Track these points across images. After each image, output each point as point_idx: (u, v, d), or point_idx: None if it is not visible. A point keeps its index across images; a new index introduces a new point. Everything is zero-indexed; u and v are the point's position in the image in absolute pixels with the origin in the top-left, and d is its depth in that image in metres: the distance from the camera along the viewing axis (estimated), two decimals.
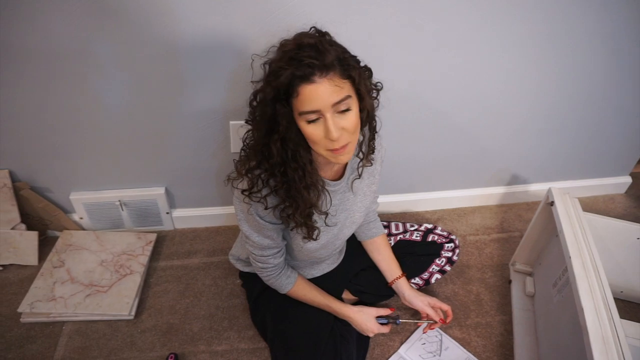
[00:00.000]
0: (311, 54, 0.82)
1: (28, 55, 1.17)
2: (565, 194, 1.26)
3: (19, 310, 1.34)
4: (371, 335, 1.24)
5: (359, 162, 1.06)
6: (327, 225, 1.07)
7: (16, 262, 1.50)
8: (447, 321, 1.28)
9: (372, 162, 1.10)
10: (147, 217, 1.61)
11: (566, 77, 1.47)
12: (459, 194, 1.79)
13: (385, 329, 1.25)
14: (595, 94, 1.54)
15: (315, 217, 1.02)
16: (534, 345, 1.31)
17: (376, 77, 0.97)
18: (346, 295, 1.37)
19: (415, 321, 1.35)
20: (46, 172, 1.46)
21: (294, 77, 0.82)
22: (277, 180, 0.94)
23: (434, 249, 1.35)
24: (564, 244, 1.13)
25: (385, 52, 1.29)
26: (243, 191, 0.96)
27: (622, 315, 1.01)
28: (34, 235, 1.50)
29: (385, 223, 1.40)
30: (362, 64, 0.92)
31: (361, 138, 1.01)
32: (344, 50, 0.88)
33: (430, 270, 1.36)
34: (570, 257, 1.09)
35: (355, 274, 1.35)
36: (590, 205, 1.85)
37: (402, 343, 1.34)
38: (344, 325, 1.24)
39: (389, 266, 1.30)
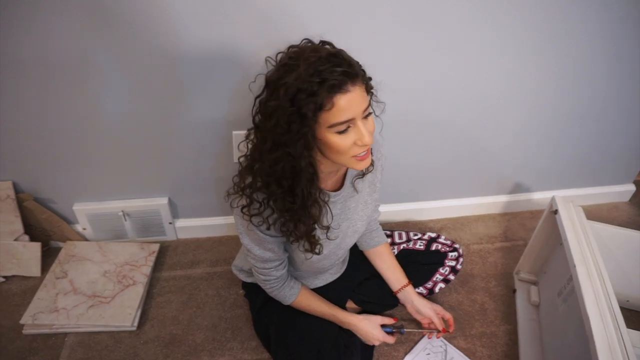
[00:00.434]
0: (341, 62, 0.81)
1: (29, 65, 1.17)
2: (569, 202, 1.26)
3: (22, 321, 1.34)
4: (377, 343, 1.23)
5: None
6: (329, 239, 1.07)
7: (19, 274, 1.50)
8: (451, 330, 1.28)
9: (372, 167, 1.09)
10: (150, 227, 1.61)
11: (566, 80, 1.46)
12: (462, 202, 1.79)
13: (390, 339, 1.24)
14: (597, 101, 1.54)
15: (317, 231, 1.01)
16: (539, 355, 1.29)
17: (376, 78, 0.95)
18: (350, 305, 1.36)
19: (420, 330, 1.34)
20: (49, 183, 1.47)
21: (330, 89, 0.79)
22: (280, 204, 0.92)
23: (438, 258, 1.35)
24: (569, 253, 1.12)
25: (386, 52, 1.29)
26: (242, 208, 0.95)
27: (629, 325, 1.00)
28: (37, 247, 1.50)
29: (388, 232, 1.40)
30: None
31: None
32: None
33: (434, 279, 1.35)
34: (575, 266, 1.08)
35: (359, 284, 1.35)
36: (594, 214, 1.83)
37: (406, 353, 1.33)
38: (348, 336, 1.23)
39: (394, 274, 1.29)
